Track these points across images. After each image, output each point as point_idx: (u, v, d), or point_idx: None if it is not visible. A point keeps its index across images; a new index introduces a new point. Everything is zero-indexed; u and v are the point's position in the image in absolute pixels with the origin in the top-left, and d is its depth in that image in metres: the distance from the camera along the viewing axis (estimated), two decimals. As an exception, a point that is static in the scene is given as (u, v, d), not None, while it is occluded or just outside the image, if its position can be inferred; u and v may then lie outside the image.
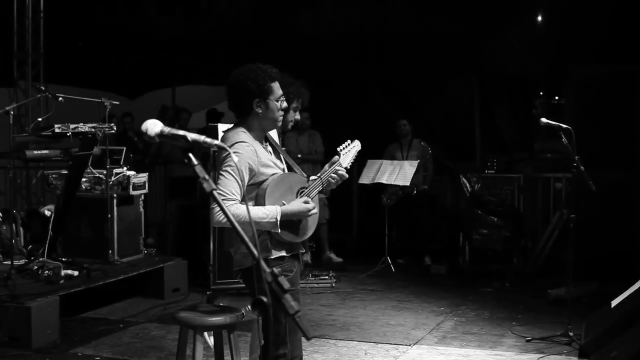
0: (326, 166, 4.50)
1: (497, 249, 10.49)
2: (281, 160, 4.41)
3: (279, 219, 4.07)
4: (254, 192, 4.18)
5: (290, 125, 4.81)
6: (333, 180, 4.45)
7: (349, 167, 4.55)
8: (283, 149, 4.62)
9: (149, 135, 3.02)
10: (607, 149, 9.32)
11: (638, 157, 9.57)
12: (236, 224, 2.73)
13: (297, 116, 4.84)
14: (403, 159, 11.00)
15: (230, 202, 4.00)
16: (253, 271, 4.10)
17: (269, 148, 4.38)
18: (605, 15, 10.79)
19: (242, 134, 4.18)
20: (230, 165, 4.06)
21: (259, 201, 4.15)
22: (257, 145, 4.20)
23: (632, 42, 10.42)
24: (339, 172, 4.45)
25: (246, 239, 2.69)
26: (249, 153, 4.11)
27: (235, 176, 4.05)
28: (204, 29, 13.03)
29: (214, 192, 2.76)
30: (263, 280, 2.59)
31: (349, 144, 4.64)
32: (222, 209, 2.75)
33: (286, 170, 4.39)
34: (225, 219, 3.93)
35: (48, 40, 11.01)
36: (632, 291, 6.65)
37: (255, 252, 2.67)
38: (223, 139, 4.21)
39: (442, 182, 12.01)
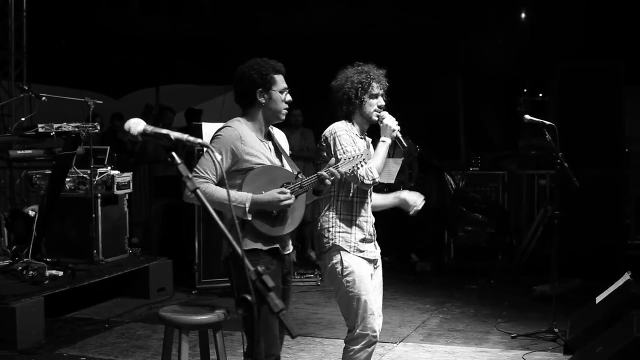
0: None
1: (482, 245, 10.52)
2: (280, 161, 4.39)
3: (247, 205, 4.05)
4: (239, 180, 4.18)
5: (374, 115, 4.70)
6: (320, 184, 4.27)
7: (345, 173, 4.36)
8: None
9: (132, 134, 3.02)
10: (591, 145, 9.37)
11: (621, 153, 9.64)
12: (213, 212, 2.72)
13: (381, 102, 4.73)
14: (390, 157, 10.97)
15: (201, 180, 4.07)
16: (232, 260, 4.13)
17: (269, 145, 4.39)
18: (588, 12, 10.85)
19: (236, 122, 4.28)
20: (213, 146, 4.14)
21: (240, 189, 4.16)
22: (248, 133, 4.24)
23: (614, 39, 10.48)
24: (330, 172, 4.26)
25: (225, 231, 2.69)
26: (233, 137, 4.17)
27: (214, 158, 4.11)
28: (189, 27, 13.00)
29: (197, 190, 2.75)
30: (242, 272, 2.59)
31: (355, 155, 4.43)
32: (203, 205, 2.74)
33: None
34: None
35: (31, 39, 10.94)
36: (616, 287, 6.69)
37: (238, 249, 2.67)
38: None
39: (427, 180, 12.02)
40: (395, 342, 7.01)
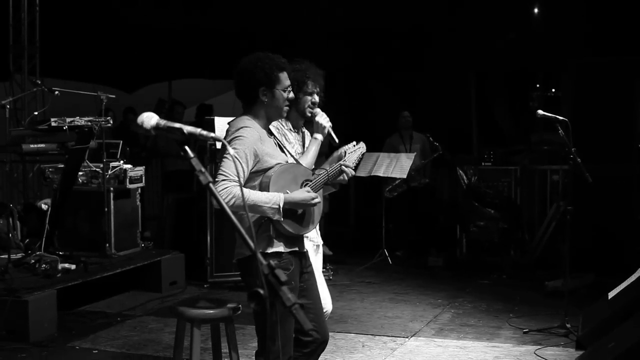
0: (333, 163, 4.59)
1: (494, 240, 10.50)
2: (286, 155, 4.42)
3: (281, 205, 4.05)
4: (258, 179, 4.17)
5: (307, 111, 4.77)
6: (339, 175, 4.53)
7: (353, 166, 4.61)
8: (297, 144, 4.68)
9: (145, 128, 3.02)
10: (604, 141, 9.33)
11: (634, 149, 9.59)
12: (230, 213, 2.72)
13: (315, 99, 4.79)
14: (406, 151, 11.02)
15: (233, 184, 3.99)
16: (249, 262, 4.11)
17: (274, 141, 4.40)
18: (602, 7, 10.79)
19: (247, 121, 4.20)
20: (236, 149, 4.07)
21: (263, 188, 4.14)
22: (262, 133, 4.22)
23: (629, 34, 10.42)
24: (346, 168, 4.51)
25: (242, 230, 2.68)
26: (255, 138, 4.13)
27: (240, 159, 4.06)
28: (202, 21, 13.02)
29: (210, 184, 2.74)
30: (259, 273, 2.58)
31: (354, 145, 4.70)
32: (218, 201, 2.74)
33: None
34: (233, 202, 3.95)
35: (44, 34, 10.97)
36: (629, 283, 6.67)
37: (251, 244, 2.67)
38: (229, 128, 4.24)
39: (439, 175, 12.02)
40: (407, 337, 7.00)
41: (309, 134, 4.88)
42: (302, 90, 4.72)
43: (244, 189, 4.04)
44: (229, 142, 4.11)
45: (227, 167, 4.03)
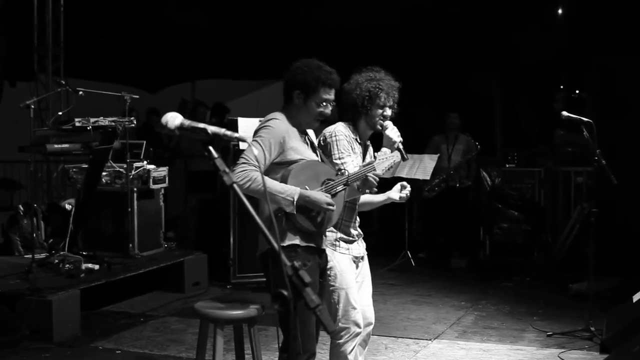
0: (360, 166, 4.52)
1: (517, 243, 10.46)
2: (317, 156, 4.42)
3: (296, 199, 4.06)
4: (280, 172, 4.20)
5: (377, 125, 4.70)
6: (359, 182, 4.44)
7: (382, 174, 4.49)
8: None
9: (169, 128, 3.02)
10: (629, 142, 9.26)
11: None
12: (250, 208, 2.71)
13: (387, 112, 4.70)
14: (448, 153, 11.00)
15: (252, 167, 4.03)
16: (270, 256, 4.12)
17: (306, 139, 4.42)
18: (626, 5, 10.69)
19: (279, 115, 4.29)
20: (261, 136, 4.14)
21: (283, 181, 4.16)
22: (292, 128, 4.26)
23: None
24: (369, 177, 4.43)
25: (263, 226, 2.68)
26: (282, 130, 4.19)
27: (264, 147, 4.10)
28: (224, 22, 13.02)
29: (234, 185, 2.74)
30: (280, 268, 2.58)
31: (388, 153, 4.59)
32: (241, 199, 2.73)
33: None
34: (249, 185, 3.99)
35: (68, 34, 11.01)
36: (655, 286, 6.61)
37: (272, 240, 2.66)
38: (262, 119, 4.30)
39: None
40: (430, 339, 6.98)
41: (371, 148, 4.82)
42: (374, 102, 4.65)
43: (262, 176, 4.06)
44: (258, 130, 4.20)
45: (250, 152, 4.09)
